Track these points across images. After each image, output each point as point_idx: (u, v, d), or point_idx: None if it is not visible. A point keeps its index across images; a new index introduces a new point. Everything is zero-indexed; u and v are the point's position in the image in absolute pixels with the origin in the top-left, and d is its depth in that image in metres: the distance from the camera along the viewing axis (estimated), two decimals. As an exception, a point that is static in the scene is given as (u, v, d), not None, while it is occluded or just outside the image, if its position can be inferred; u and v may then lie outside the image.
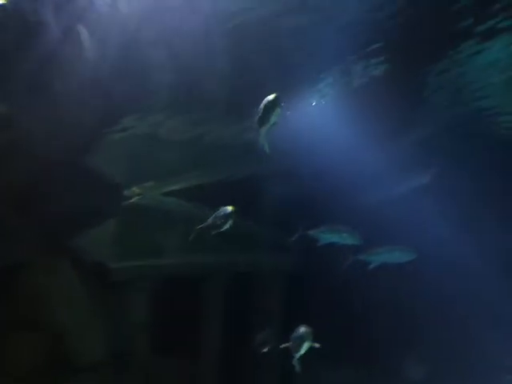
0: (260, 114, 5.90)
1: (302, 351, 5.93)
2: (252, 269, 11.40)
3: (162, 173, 10.72)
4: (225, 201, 11.67)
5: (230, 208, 7.05)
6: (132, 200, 10.03)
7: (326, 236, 9.50)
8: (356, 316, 11.79)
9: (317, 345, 5.78)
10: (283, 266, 11.73)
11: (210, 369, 10.26)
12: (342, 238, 9.40)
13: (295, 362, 5.99)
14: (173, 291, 9.96)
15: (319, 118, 9.31)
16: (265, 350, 6.50)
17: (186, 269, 10.35)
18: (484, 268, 11.06)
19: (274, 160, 11.23)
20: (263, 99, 7.83)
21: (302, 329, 5.81)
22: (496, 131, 11.29)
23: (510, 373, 12.47)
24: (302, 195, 11.15)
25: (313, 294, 11.79)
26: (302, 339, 5.77)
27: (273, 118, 5.84)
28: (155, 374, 9.02)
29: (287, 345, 6.06)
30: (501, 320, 12.35)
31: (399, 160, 10.53)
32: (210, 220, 7.19)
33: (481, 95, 10.12)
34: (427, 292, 11.89)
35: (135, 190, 10.20)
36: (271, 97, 5.85)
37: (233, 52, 8.57)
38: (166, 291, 9.92)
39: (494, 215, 11.42)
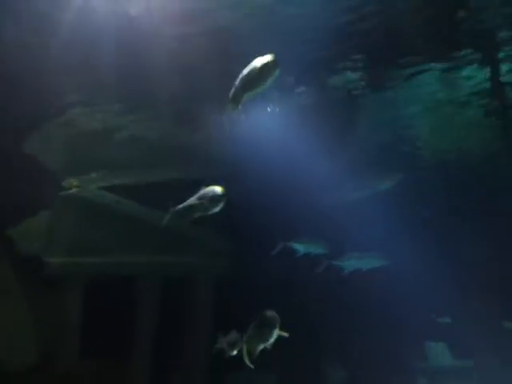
0: (244, 80, 4.87)
1: (272, 339, 5.33)
2: (187, 271, 11.26)
3: (103, 167, 10.41)
4: (165, 202, 11.58)
5: (219, 189, 5.71)
6: (70, 191, 9.61)
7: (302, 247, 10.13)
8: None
9: (285, 334, 5.46)
10: (217, 269, 11.68)
11: (141, 370, 9.97)
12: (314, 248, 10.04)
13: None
14: (106, 290, 9.61)
15: (271, 123, 9.39)
16: (232, 353, 6.05)
17: (121, 268, 10.03)
18: (414, 278, 11.55)
19: (218, 164, 11.35)
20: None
21: (270, 315, 5.40)
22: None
23: (422, 375, 13.31)
24: (246, 200, 11.20)
25: (243, 297, 11.83)
26: (271, 327, 5.39)
27: (260, 86, 4.83)
28: (86, 376, 8.58)
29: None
30: (416, 326, 13.11)
31: (354, 166, 10.90)
32: (193, 199, 5.87)
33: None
34: (354, 298, 12.28)
35: (73, 181, 9.78)
36: (266, 58, 4.72)
37: (182, 56, 8.55)
38: (99, 290, 9.54)
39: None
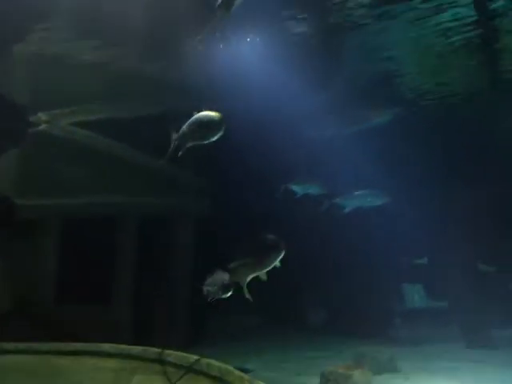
0: None
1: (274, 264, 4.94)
2: (165, 211, 10.93)
3: (74, 101, 9.74)
4: (141, 137, 11.06)
5: (216, 114, 4.96)
6: (39, 127, 8.97)
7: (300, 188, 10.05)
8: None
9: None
10: (196, 209, 11.39)
11: (123, 314, 9.79)
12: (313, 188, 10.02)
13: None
14: (83, 233, 9.19)
15: (252, 54, 8.82)
16: (214, 297, 5.76)
17: (97, 209, 9.58)
18: (394, 218, 11.53)
19: (195, 96, 10.79)
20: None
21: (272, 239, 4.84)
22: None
23: (399, 316, 13.69)
24: (225, 137, 10.76)
25: (224, 237, 11.66)
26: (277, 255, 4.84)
27: None
28: (66, 322, 8.33)
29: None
30: (394, 267, 13.30)
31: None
32: (185, 128, 5.15)
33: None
34: (333, 238, 12.27)
35: (42, 116, 9.12)
36: None
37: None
38: (75, 233, 9.14)
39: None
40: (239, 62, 8.56)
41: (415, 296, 14.53)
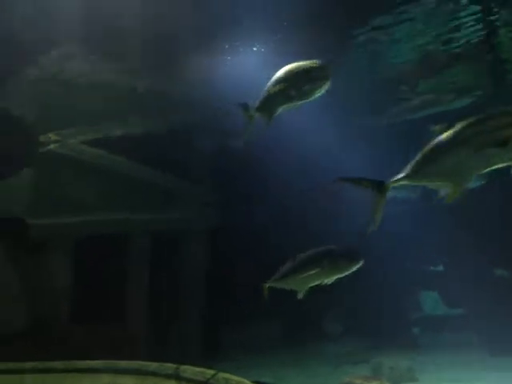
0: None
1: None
2: (175, 226, 10.92)
3: (82, 120, 9.82)
4: (149, 154, 11.12)
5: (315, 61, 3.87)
6: (49, 147, 9.04)
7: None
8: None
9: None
10: (206, 223, 11.37)
11: (136, 330, 9.73)
12: None
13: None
14: (94, 250, 9.19)
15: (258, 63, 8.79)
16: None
17: (108, 226, 9.58)
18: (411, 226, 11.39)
19: (202, 113, 10.86)
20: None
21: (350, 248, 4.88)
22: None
23: (417, 324, 13.50)
24: (232, 150, 10.79)
25: (237, 250, 11.62)
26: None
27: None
28: (81, 340, 8.32)
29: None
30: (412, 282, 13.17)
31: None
32: (271, 88, 4.00)
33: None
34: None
35: (52, 136, 9.20)
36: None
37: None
38: (86, 250, 9.14)
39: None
40: (247, 73, 8.54)
41: (432, 303, 14.37)
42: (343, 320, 13.16)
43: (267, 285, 5.60)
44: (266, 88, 4.28)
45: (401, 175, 3.97)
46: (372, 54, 9.85)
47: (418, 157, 3.90)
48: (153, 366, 6.17)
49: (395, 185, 4.01)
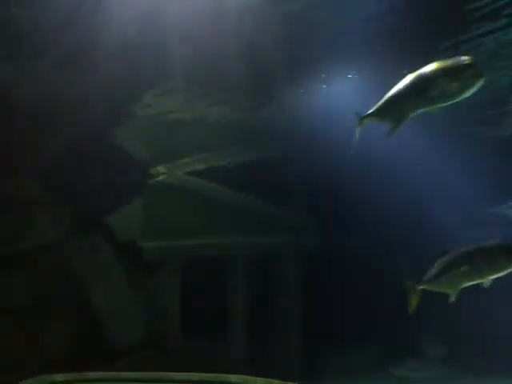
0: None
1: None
2: (275, 250, 11.37)
3: (185, 153, 10.65)
4: (245, 182, 11.72)
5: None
6: (158, 178, 9.94)
7: None
8: (380, 297, 11.71)
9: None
10: (305, 247, 11.70)
11: (238, 349, 10.27)
12: None
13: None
14: (199, 271, 9.91)
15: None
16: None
17: (211, 249, 10.29)
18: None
19: (296, 141, 11.29)
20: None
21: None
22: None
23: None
24: (324, 175, 11.06)
25: (334, 275, 11.74)
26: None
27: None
28: (187, 355, 8.94)
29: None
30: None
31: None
32: (402, 91, 3.73)
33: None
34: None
35: (160, 168, 10.10)
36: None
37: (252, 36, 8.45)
38: (193, 270, 9.87)
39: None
40: (343, 100, 8.79)
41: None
42: (445, 341, 12.61)
43: (419, 287, 5.02)
44: (395, 89, 3.87)
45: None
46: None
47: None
48: (258, 381, 6.44)
49: None
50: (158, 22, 8.32)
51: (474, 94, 3.60)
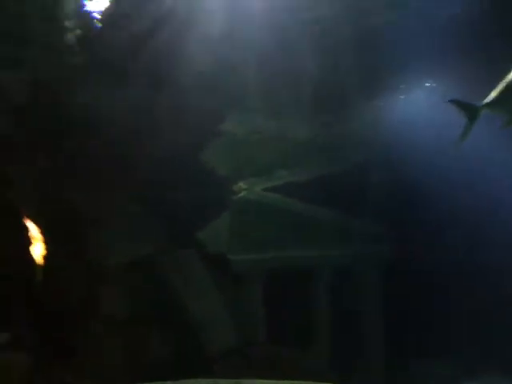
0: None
1: None
2: (354, 262, 11.54)
3: (263, 170, 11.15)
4: (320, 196, 12.02)
5: None
6: (240, 194, 10.46)
7: None
8: (467, 308, 11.52)
9: None
10: (383, 257, 11.80)
11: (321, 358, 10.47)
12: None
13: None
14: (283, 283, 10.25)
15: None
16: None
17: (293, 261, 10.66)
18: None
19: (369, 151, 11.48)
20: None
21: None
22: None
23: None
24: (398, 185, 11.18)
25: (411, 285, 11.68)
26: None
27: None
28: (275, 361, 9.29)
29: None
30: None
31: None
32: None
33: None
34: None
35: (241, 185, 10.63)
36: None
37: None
38: (277, 281, 10.23)
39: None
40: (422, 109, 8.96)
41: None
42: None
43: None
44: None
45: None
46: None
47: None
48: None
49: None
50: (240, 45, 8.96)
51: None
